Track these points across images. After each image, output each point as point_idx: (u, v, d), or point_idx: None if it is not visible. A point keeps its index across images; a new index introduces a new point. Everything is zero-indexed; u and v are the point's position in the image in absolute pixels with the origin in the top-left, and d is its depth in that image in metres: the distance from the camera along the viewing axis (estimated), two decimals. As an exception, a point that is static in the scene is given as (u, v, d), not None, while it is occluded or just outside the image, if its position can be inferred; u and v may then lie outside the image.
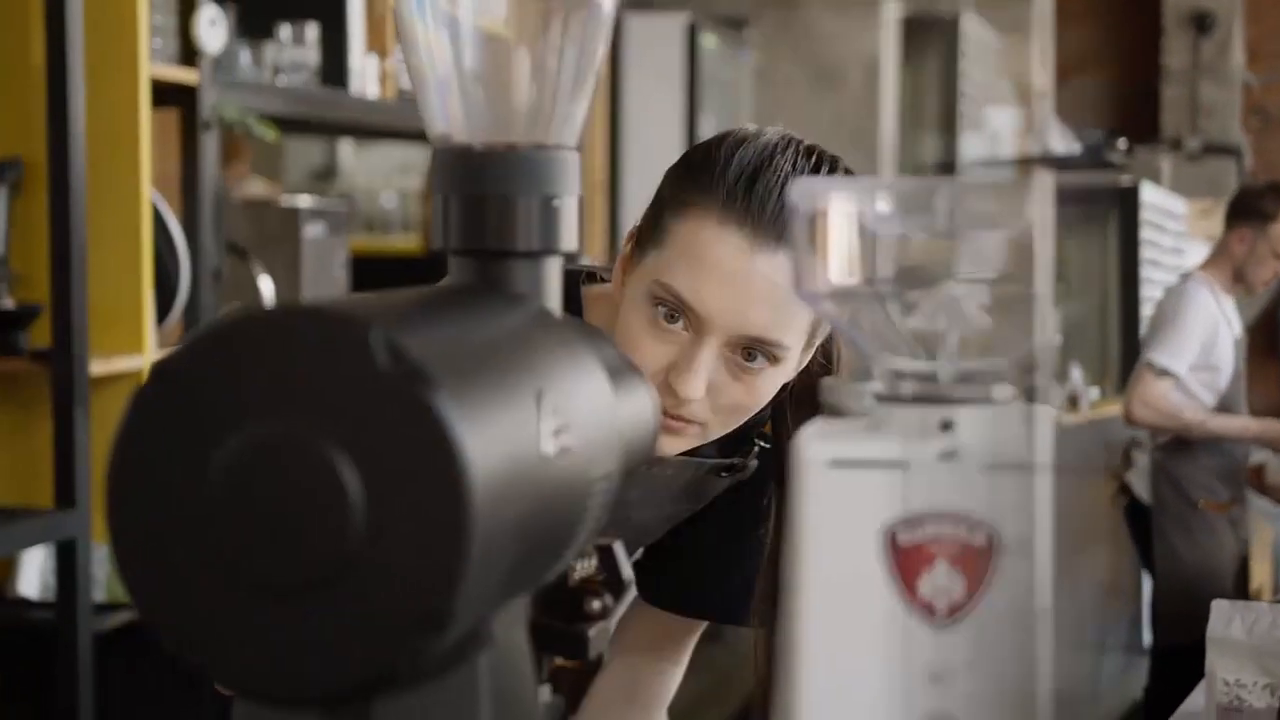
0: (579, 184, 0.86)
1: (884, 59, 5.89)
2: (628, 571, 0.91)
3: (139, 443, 0.65)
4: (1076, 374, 6.49)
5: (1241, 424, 4.42)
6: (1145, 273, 7.16)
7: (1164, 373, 4.27)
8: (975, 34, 7.61)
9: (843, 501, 0.70)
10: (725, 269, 1.22)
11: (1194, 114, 9.53)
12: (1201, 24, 9.58)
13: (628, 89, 4.94)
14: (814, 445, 0.71)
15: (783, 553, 1.33)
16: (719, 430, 1.30)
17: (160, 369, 0.65)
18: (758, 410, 1.31)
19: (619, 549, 0.90)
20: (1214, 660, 1.83)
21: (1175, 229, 7.80)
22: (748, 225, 1.23)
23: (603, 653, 0.87)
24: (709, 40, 5.59)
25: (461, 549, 0.63)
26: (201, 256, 2.82)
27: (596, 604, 0.90)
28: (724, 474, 1.42)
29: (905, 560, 0.70)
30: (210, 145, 2.82)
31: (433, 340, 0.67)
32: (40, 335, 2.54)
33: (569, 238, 0.85)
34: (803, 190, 0.72)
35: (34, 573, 2.76)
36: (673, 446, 1.31)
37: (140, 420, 0.65)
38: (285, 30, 3.15)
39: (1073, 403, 6.24)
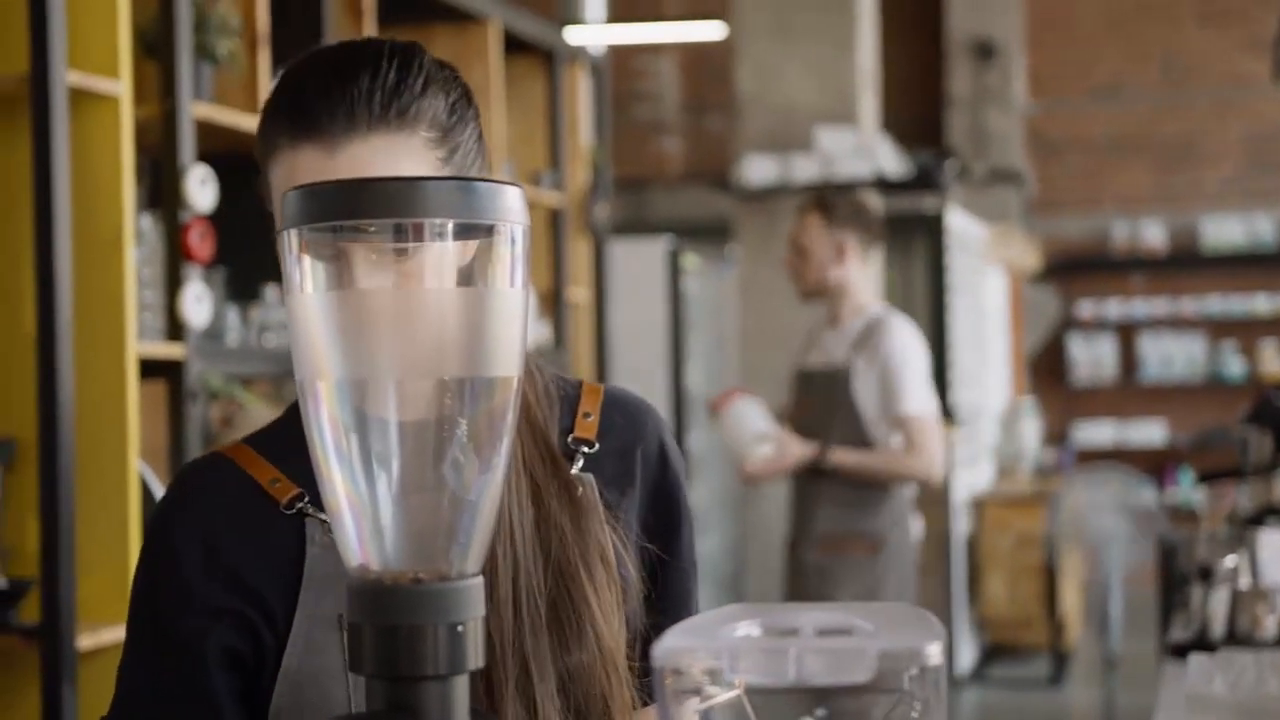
0: (484, 604, 0.94)
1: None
2: None
3: None
4: None
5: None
6: (948, 298, 7.34)
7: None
8: (959, 226, 7.80)
9: None
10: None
11: (979, 141, 9.78)
12: (984, 52, 9.79)
13: (613, 311, 5.08)
14: None
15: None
16: None
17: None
18: None
19: None
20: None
21: (976, 253, 8.03)
22: (316, 133, 1.20)
23: None
24: (690, 261, 5.75)
25: None
26: (188, 521, 2.90)
27: None
28: None
29: None
30: (196, 415, 2.93)
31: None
32: (29, 610, 2.61)
33: (475, 656, 0.93)
34: (663, 650, 0.80)
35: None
36: None
37: None
38: (271, 291, 3.28)
39: None
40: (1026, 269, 9.76)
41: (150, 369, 2.89)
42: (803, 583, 4.04)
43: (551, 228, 4.76)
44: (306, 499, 1.27)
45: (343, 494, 0.94)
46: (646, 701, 1.29)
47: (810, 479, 4.00)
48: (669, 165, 10.01)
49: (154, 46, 3.00)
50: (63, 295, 2.61)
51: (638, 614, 1.30)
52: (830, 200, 4.18)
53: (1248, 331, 10.29)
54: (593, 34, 5.42)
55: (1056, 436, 10.24)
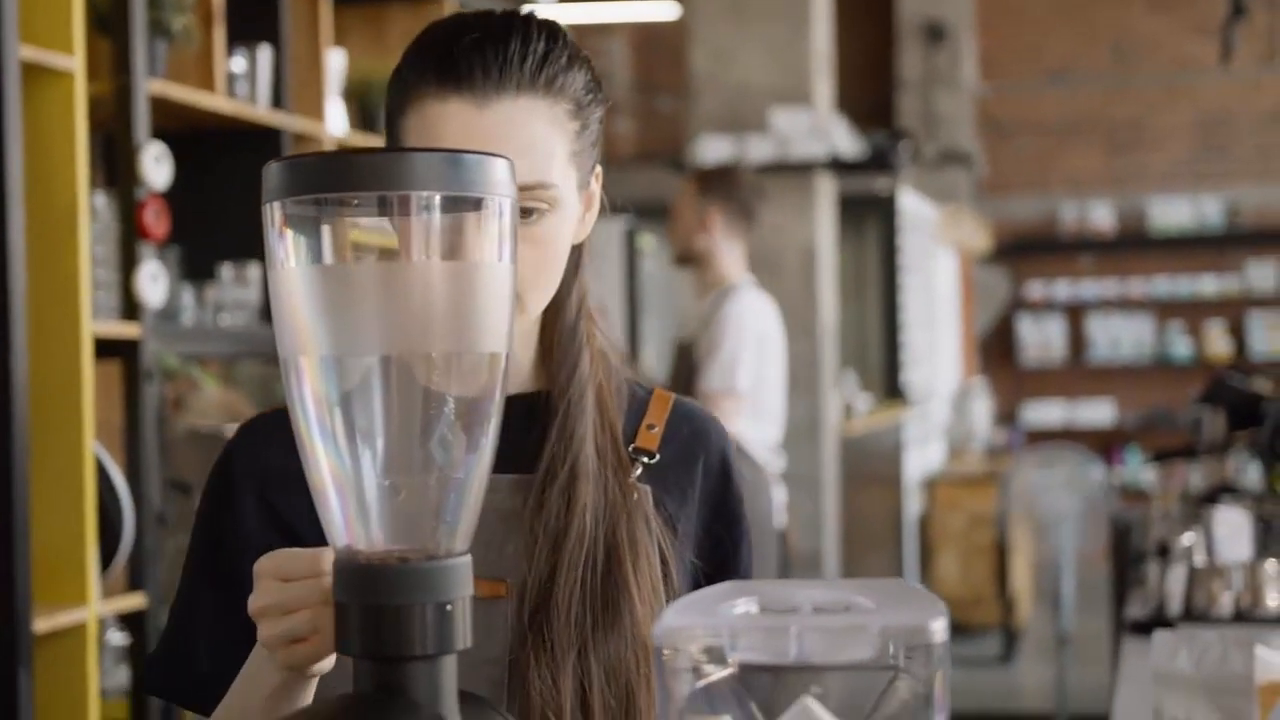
0: (472, 583, 0.93)
1: (821, 246, 6.04)
2: None
3: None
4: (852, 382, 6.54)
5: None
6: (900, 278, 7.40)
7: None
8: (911, 207, 7.84)
9: None
10: (459, 136, 1.21)
11: (929, 122, 9.84)
12: (934, 34, 9.83)
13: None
14: None
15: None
16: (538, 301, 1.27)
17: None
18: (562, 263, 1.27)
19: None
20: (1160, 696, 1.71)
21: (927, 234, 8.12)
22: (467, 87, 1.22)
23: None
24: (646, 241, 5.74)
25: None
26: (145, 503, 2.87)
27: None
28: None
29: None
30: (151, 395, 2.89)
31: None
32: (-17, 594, 2.57)
33: (464, 636, 0.91)
34: (662, 629, 0.78)
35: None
36: None
37: None
38: (227, 270, 3.25)
39: (848, 412, 6.25)
40: (976, 250, 9.81)
41: (105, 348, 2.85)
42: None
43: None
44: None
45: (327, 472, 0.92)
46: None
47: None
48: (621, 145, 9.98)
49: (108, 22, 2.95)
50: (16, 274, 2.56)
51: None
52: (706, 172, 4.25)
53: (1194, 313, 10.38)
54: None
55: (1006, 417, 10.30)
